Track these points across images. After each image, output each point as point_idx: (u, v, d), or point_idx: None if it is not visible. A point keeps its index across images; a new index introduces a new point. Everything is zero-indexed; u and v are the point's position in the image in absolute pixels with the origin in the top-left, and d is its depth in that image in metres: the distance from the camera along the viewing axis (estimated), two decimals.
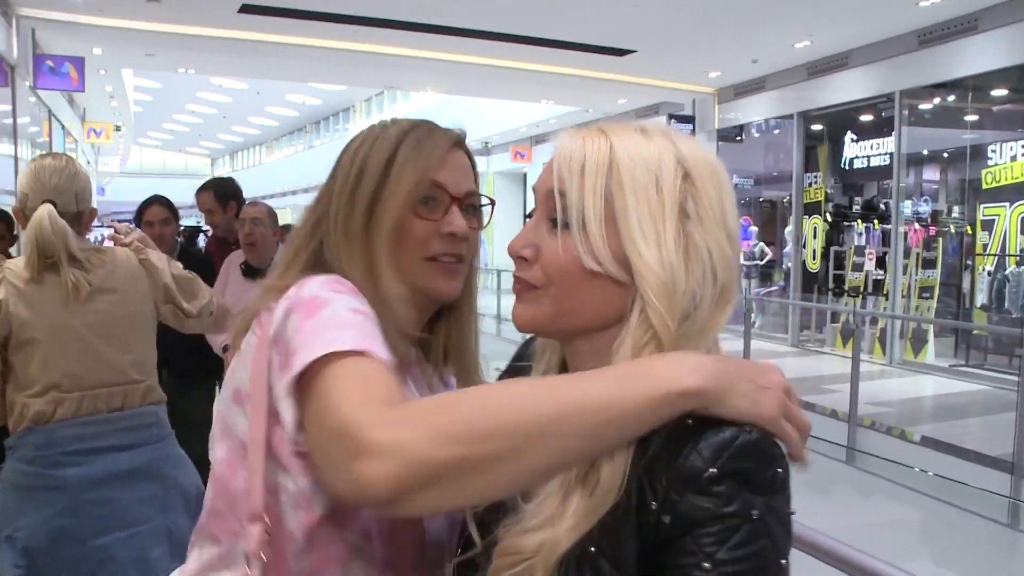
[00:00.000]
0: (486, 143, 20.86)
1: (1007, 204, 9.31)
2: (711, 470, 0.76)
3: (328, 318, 0.94)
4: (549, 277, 0.90)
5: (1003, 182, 9.34)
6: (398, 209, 1.08)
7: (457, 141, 1.16)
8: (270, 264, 3.92)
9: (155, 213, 4.20)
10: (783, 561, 0.79)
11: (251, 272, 3.90)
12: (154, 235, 4.18)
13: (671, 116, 14.03)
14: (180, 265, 2.64)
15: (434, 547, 1.09)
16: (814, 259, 12.03)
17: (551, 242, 0.90)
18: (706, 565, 0.75)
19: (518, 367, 1.09)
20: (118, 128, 19.83)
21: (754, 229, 13.92)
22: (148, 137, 40.16)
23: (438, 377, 1.20)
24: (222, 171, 48.16)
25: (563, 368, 0.99)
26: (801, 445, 0.83)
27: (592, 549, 0.81)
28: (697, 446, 0.77)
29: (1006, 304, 9.24)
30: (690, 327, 0.86)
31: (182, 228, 7.79)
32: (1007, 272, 9.29)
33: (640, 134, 0.91)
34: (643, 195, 0.87)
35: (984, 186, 9.60)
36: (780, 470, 0.79)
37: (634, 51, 11.15)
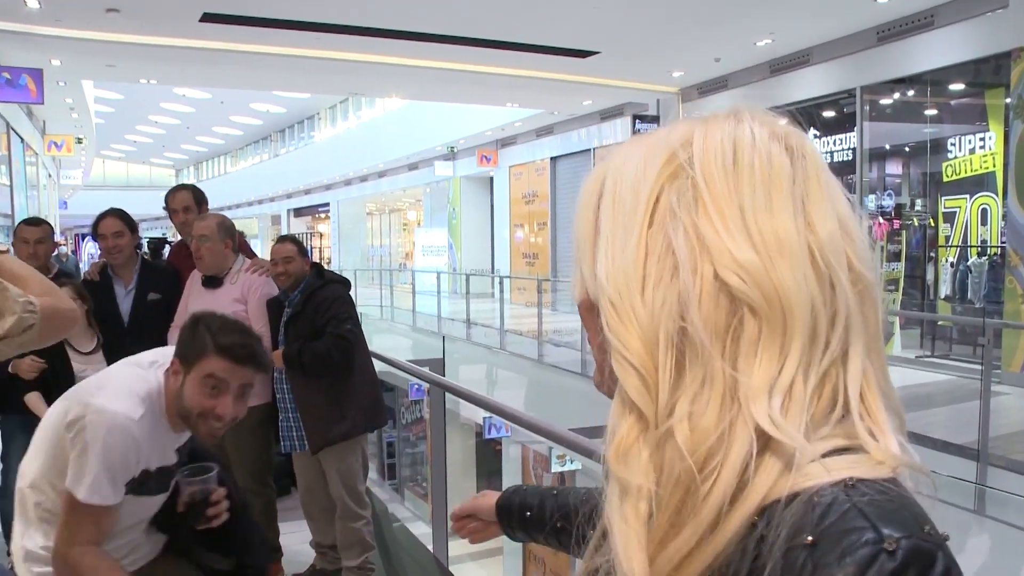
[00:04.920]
0: (452, 148, 20.84)
1: (967, 196, 9.46)
2: None
3: None
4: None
5: (963, 175, 9.49)
6: None
7: None
8: (227, 272, 4.00)
9: (108, 226, 4.18)
10: None
11: (209, 282, 3.94)
12: (106, 248, 4.18)
13: (636, 116, 14.10)
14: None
15: None
16: None
17: None
18: None
19: None
20: (79, 140, 19.59)
21: None
22: (111, 149, 39.77)
23: None
24: (187, 182, 47.80)
25: None
26: None
27: None
28: (812, 575, 0.56)
29: (969, 295, 9.39)
30: (695, 372, 0.63)
31: (146, 240, 7.71)
32: (969, 263, 9.43)
33: (661, 130, 0.73)
34: (620, 205, 0.69)
35: (945, 179, 9.75)
36: None
37: (597, 52, 11.19)
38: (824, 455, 0.61)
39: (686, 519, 0.62)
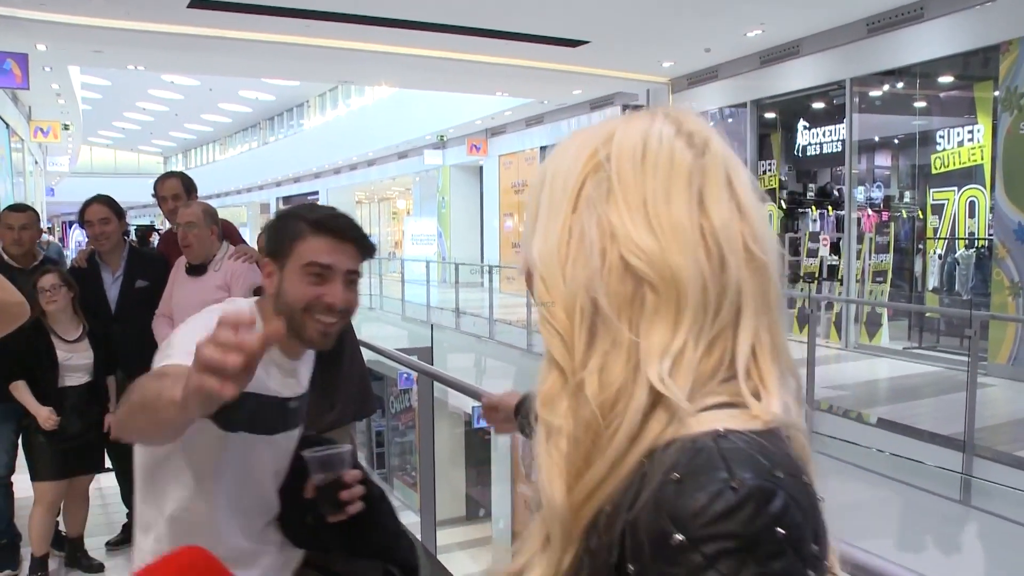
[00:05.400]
0: (441, 136, 20.78)
1: (955, 188, 9.51)
2: (677, 537, 0.65)
3: None
4: None
5: (951, 167, 9.53)
6: None
7: None
8: (212, 260, 3.96)
9: (94, 212, 4.17)
10: None
11: (193, 270, 3.91)
12: (93, 234, 4.17)
13: (625, 107, 14.09)
14: None
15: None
16: None
17: None
18: None
19: None
20: (66, 127, 19.41)
21: None
22: (99, 136, 39.52)
23: None
24: (176, 170, 47.57)
25: None
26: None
27: None
28: (674, 504, 0.66)
29: (956, 287, 9.43)
30: (605, 337, 0.75)
31: (134, 227, 7.65)
32: (957, 255, 9.48)
33: (594, 127, 0.83)
34: (553, 192, 0.81)
35: (933, 171, 9.78)
36: (781, 531, 0.65)
37: (587, 42, 11.16)
38: (708, 408, 0.72)
39: (596, 457, 0.74)
